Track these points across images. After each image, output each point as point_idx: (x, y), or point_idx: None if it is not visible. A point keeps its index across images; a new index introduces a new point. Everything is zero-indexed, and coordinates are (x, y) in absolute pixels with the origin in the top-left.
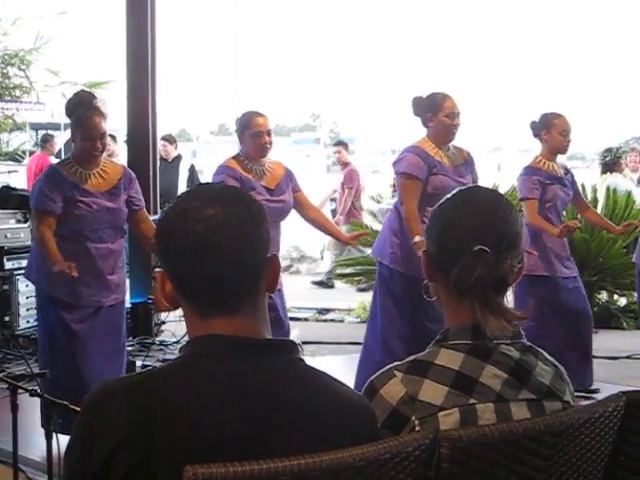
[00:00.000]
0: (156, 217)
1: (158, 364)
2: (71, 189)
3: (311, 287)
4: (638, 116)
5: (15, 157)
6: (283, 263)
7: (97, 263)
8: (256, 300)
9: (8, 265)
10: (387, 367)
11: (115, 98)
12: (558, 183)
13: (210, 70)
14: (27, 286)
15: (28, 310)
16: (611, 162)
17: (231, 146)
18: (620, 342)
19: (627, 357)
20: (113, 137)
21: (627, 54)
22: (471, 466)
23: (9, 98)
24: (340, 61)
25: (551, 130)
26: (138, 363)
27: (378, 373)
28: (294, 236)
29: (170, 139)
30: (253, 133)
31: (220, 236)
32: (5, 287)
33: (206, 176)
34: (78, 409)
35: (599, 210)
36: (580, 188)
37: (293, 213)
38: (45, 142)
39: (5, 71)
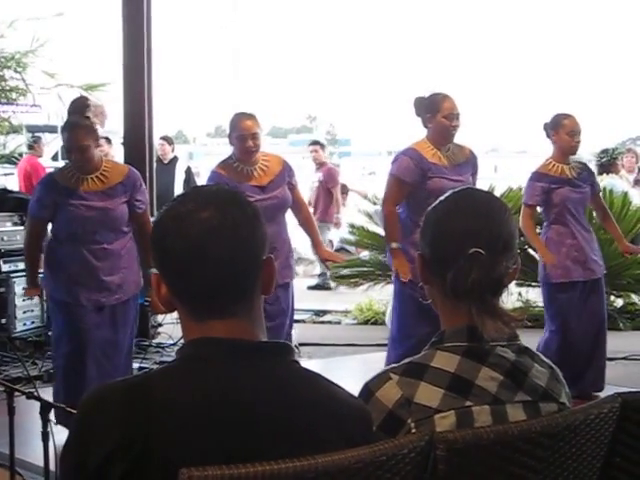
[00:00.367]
0: (153, 219)
1: (155, 366)
2: (63, 194)
3: (308, 290)
4: (634, 117)
5: (11, 160)
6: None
7: (92, 264)
8: (251, 303)
9: (5, 268)
10: (383, 370)
11: (112, 100)
12: (567, 185)
13: (207, 72)
14: (24, 289)
15: (25, 313)
16: (607, 163)
17: (228, 148)
18: (617, 343)
19: (624, 358)
20: (108, 139)
21: (622, 56)
22: (467, 468)
23: (5, 101)
24: (337, 63)
25: (559, 131)
26: (135, 365)
27: (374, 376)
28: (291, 238)
29: (168, 139)
30: (237, 136)
31: (215, 239)
32: (1, 289)
33: (203, 178)
34: (75, 412)
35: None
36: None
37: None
38: (33, 144)
39: (1, 74)
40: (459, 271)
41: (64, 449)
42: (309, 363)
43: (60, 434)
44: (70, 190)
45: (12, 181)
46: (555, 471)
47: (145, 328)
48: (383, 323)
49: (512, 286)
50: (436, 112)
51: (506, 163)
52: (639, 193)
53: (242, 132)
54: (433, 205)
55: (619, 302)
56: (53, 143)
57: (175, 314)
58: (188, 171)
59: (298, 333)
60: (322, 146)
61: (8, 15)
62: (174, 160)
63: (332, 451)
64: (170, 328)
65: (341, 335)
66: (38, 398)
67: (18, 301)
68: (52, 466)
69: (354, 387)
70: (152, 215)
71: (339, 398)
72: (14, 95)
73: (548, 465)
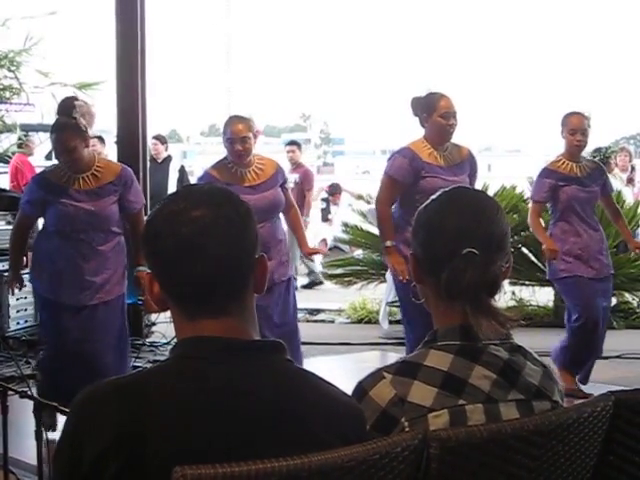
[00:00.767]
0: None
1: (148, 365)
2: (54, 192)
3: (301, 289)
4: (627, 117)
5: (5, 159)
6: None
7: (78, 262)
8: (244, 301)
9: None
10: (376, 369)
11: (105, 99)
12: (575, 184)
13: (201, 71)
14: (5, 282)
15: (18, 312)
16: (600, 162)
17: (222, 147)
18: (610, 342)
19: (617, 357)
20: (101, 138)
21: (615, 56)
22: (460, 466)
23: None
24: (330, 62)
25: (563, 129)
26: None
27: (367, 375)
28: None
29: (161, 139)
30: (227, 139)
31: (207, 238)
32: None
33: (196, 177)
34: (67, 410)
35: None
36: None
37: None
38: (24, 142)
39: None
40: (454, 271)
41: (57, 448)
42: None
43: (54, 433)
44: (61, 188)
45: (5, 180)
46: (548, 469)
47: (138, 327)
48: (377, 322)
49: (505, 285)
50: (433, 111)
51: (500, 162)
52: (632, 192)
53: (231, 135)
54: (425, 204)
55: (613, 301)
56: (47, 142)
57: (168, 313)
58: (182, 170)
59: None
60: (299, 146)
61: (1, 14)
62: (168, 159)
63: (325, 449)
64: (163, 327)
65: (335, 334)
66: (31, 397)
67: (11, 300)
68: (45, 465)
69: (347, 386)
70: (146, 214)
71: (333, 397)
72: (7, 94)
73: (541, 463)
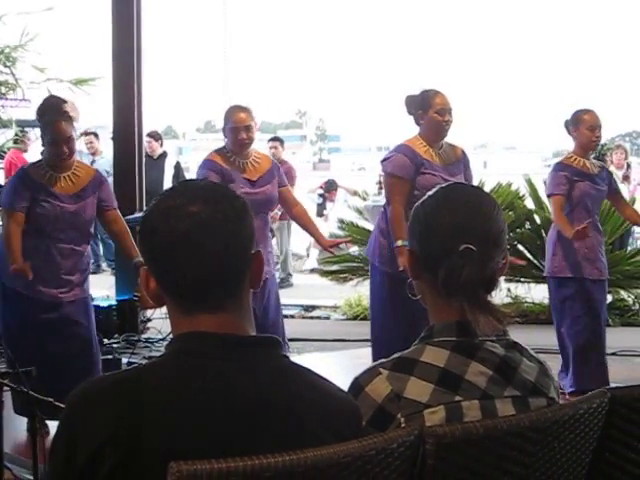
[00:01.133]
0: (141, 214)
1: (144, 361)
2: (38, 190)
3: (296, 285)
4: (623, 114)
5: (0, 154)
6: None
7: (57, 260)
8: (240, 297)
9: None
10: (372, 365)
11: (101, 95)
12: (588, 180)
13: (197, 67)
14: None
15: None
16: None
17: (217, 143)
18: (606, 339)
19: (612, 354)
20: (96, 135)
21: (611, 54)
22: (456, 462)
23: None
24: (326, 58)
25: (579, 126)
26: (124, 360)
27: (363, 371)
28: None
29: (155, 136)
30: (231, 128)
31: (204, 233)
32: None
33: (192, 173)
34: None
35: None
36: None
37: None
38: (20, 138)
39: None
40: (451, 268)
41: (53, 444)
42: (298, 358)
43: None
44: (45, 188)
45: (1, 175)
46: (544, 466)
47: (134, 323)
48: None
49: (501, 282)
50: (428, 108)
51: (495, 159)
52: (628, 189)
53: (235, 124)
54: (421, 200)
55: (608, 298)
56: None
57: (164, 309)
58: (177, 166)
59: (287, 328)
60: (281, 142)
61: None
62: (163, 155)
63: (321, 445)
64: (159, 323)
65: (330, 330)
66: (27, 393)
67: None
68: (41, 461)
69: (343, 382)
70: (142, 211)
71: (328, 393)
72: (3, 89)
73: (537, 460)
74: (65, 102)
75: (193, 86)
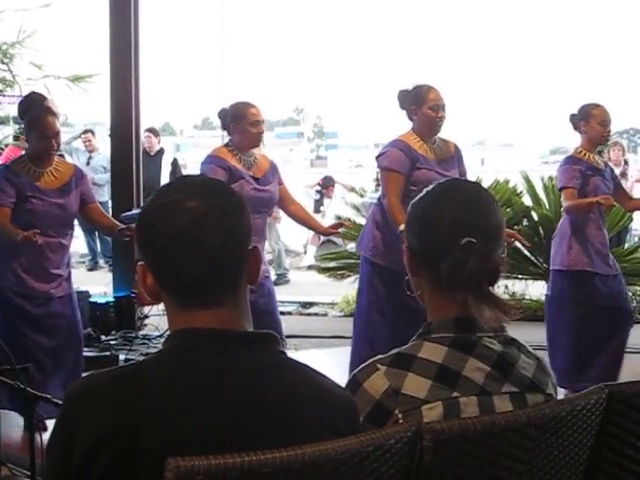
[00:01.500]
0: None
1: (141, 358)
2: (24, 186)
3: (293, 282)
4: (620, 111)
5: None
6: (267, 257)
7: (46, 255)
8: (237, 292)
9: None
10: (370, 360)
11: (99, 92)
12: (599, 175)
13: (194, 64)
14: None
15: None
16: None
17: (215, 140)
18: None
19: None
20: (92, 132)
21: (609, 51)
22: (453, 458)
23: None
24: (324, 55)
25: (590, 121)
26: (121, 357)
27: (361, 367)
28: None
29: (155, 132)
30: (251, 122)
31: (201, 229)
32: None
33: (189, 170)
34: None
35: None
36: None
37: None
38: (19, 135)
39: None
40: (455, 261)
41: (50, 439)
42: (296, 355)
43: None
44: (30, 184)
45: None
46: (542, 462)
47: (131, 320)
48: None
49: (499, 280)
50: (421, 104)
51: (493, 156)
52: (625, 186)
53: (255, 118)
54: (419, 196)
55: None
56: None
57: (161, 306)
58: (174, 163)
59: (284, 325)
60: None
61: None
62: (160, 152)
63: (319, 441)
64: (156, 320)
65: (328, 327)
66: (24, 390)
67: None
68: (38, 457)
69: (340, 379)
70: (139, 207)
71: (326, 389)
72: (1, 86)
73: (535, 456)
74: (46, 98)
75: (190, 83)
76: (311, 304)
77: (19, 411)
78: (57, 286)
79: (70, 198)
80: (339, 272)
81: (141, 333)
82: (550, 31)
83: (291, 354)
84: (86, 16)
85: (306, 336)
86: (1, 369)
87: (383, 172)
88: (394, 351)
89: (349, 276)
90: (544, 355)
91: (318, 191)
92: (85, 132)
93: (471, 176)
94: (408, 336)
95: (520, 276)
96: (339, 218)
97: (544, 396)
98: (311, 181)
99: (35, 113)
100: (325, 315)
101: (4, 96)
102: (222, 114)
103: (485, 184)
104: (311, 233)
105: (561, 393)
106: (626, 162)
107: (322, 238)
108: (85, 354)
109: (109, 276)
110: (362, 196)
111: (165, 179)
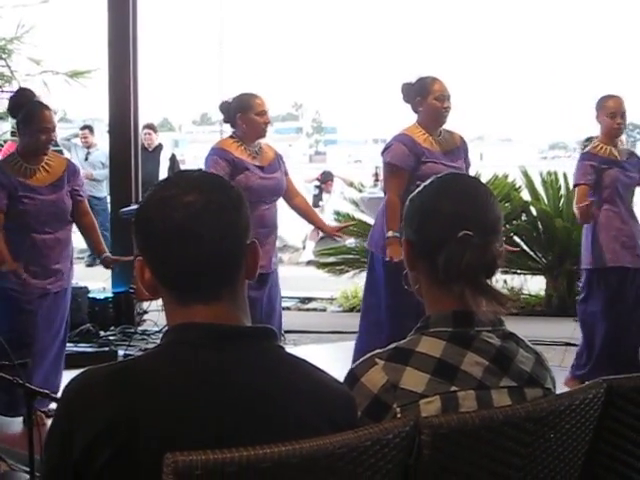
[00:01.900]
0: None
1: (140, 354)
2: (15, 187)
3: (292, 277)
4: None
5: None
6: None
7: (43, 252)
8: (236, 287)
9: None
10: (368, 355)
11: (97, 87)
12: (617, 167)
13: (193, 60)
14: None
15: None
16: None
17: (214, 136)
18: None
19: None
20: (90, 128)
21: (607, 45)
22: (452, 453)
23: None
24: (323, 50)
25: (600, 113)
26: (120, 352)
27: (359, 361)
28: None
29: (154, 127)
30: (258, 112)
31: (199, 223)
32: None
33: (187, 166)
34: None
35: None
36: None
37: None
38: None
39: None
40: (452, 253)
41: (48, 434)
42: (294, 350)
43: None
44: (22, 183)
45: None
46: (540, 456)
47: (130, 315)
48: None
49: (497, 273)
50: (427, 95)
51: (491, 151)
52: None
53: (261, 108)
54: (417, 190)
55: None
56: None
57: (160, 301)
58: (173, 159)
59: (283, 320)
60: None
61: None
62: (159, 148)
63: (316, 436)
64: (155, 315)
65: (326, 322)
66: (22, 385)
67: None
68: (37, 453)
69: (339, 375)
70: (137, 202)
71: (323, 383)
72: None
73: (533, 450)
74: (35, 95)
75: (189, 79)
76: (310, 299)
77: (14, 408)
78: (55, 281)
79: (62, 193)
80: (338, 267)
81: (140, 329)
82: (548, 26)
83: (290, 349)
84: (84, 11)
85: (305, 331)
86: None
87: (385, 167)
88: (392, 345)
89: (348, 271)
90: (542, 350)
91: (317, 186)
92: (83, 128)
93: (470, 171)
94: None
95: (519, 271)
96: (338, 214)
97: (543, 390)
98: (310, 176)
99: (31, 108)
100: (324, 310)
101: (2, 92)
102: (225, 107)
103: (484, 179)
104: (310, 228)
105: (560, 388)
106: None
107: (321, 233)
108: (84, 349)
109: (108, 272)
110: (361, 191)
111: (163, 175)
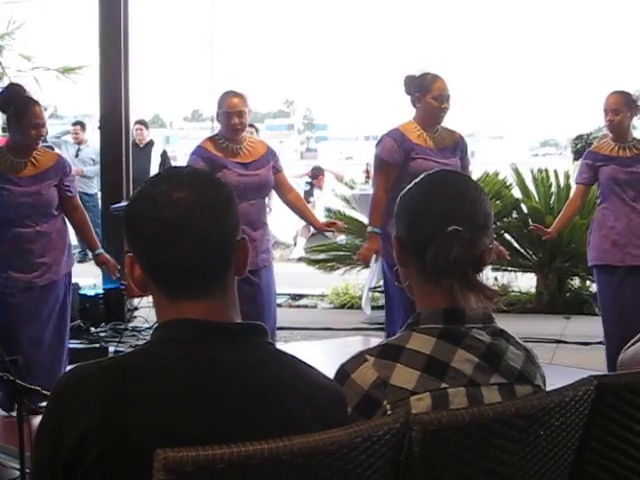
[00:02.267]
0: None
1: (130, 350)
2: None
3: (283, 274)
4: None
5: None
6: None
7: (25, 246)
8: (226, 284)
9: None
10: (359, 351)
11: (88, 83)
12: (614, 164)
13: (184, 56)
14: None
15: None
16: (582, 149)
17: (205, 132)
18: (592, 328)
19: (599, 342)
20: (82, 124)
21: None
22: (442, 450)
23: None
24: (314, 47)
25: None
26: (111, 349)
27: (349, 358)
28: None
29: (145, 124)
30: (224, 113)
31: (189, 219)
32: None
33: (179, 162)
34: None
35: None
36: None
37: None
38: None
39: None
40: (440, 247)
41: (37, 431)
42: (285, 347)
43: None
44: (4, 175)
45: None
46: (530, 453)
47: (121, 312)
48: (359, 307)
49: (488, 271)
50: (426, 92)
51: (483, 148)
52: None
53: (228, 109)
54: (408, 187)
55: (594, 287)
56: None
57: (151, 298)
58: (164, 155)
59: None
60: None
61: None
62: (150, 144)
63: (306, 432)
64: (146, 312)
65: (317, 319)
66: (13, 381)
67: None
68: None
69: (330, 371)
70: (128, 198)
71: (314, 380)
72: None
73: (523, 447)
74: (26, 90)
75: (180, 75)
76: (301, 296)
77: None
78: (41, 275)
79: (45, 185)
80: (329, 264)
81: (131, 325)
82: (540, 24)
83: (281, 346)
84: (75, 8)
85: (296, 328)
86: None
87: (375, 161)
88: (383, 342)
89: (339, 268)
90: (533, 347)
91: (308, 182)
92: (74, 124)
93: (469, 170)
94: None
95: (510, 268)
96: (329, 210)
97: (532, 387)
98: (301, 172)
99: (22, 103)
100: (315, 307)
101: None
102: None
103: (475, 176)
104: (301, 225)
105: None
106: None
107: (312, 230)
108: (74, 346)
109: (98, 268)
110: (352, 188)
111: (155, 171)
